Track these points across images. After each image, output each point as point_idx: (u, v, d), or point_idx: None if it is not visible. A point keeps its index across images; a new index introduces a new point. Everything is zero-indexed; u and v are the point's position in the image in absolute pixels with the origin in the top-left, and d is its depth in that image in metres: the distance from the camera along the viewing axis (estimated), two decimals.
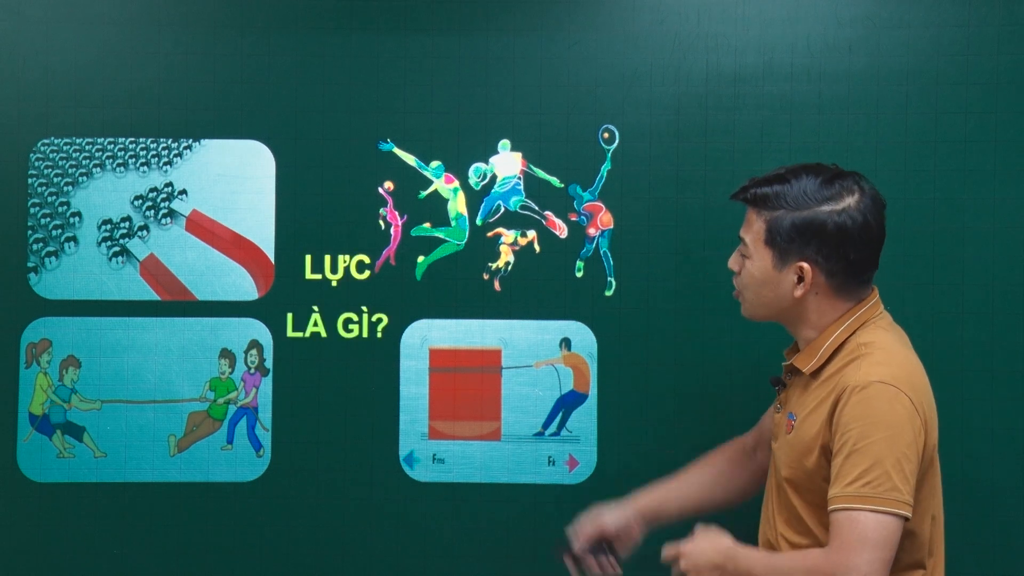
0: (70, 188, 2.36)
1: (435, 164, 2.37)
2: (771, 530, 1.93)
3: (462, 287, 2.37)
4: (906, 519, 1.70)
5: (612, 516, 2.06)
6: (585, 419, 2.36)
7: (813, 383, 1.85)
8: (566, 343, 2.36)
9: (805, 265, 1.81)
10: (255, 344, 2.36)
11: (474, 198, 2.37)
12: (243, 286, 2.37)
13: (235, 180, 2.37)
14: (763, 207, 1.84)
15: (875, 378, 1.73)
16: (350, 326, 2.37)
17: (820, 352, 1.84)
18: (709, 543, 1.83)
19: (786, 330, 1.94)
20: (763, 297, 1.87)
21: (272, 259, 2.37)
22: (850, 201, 1.81)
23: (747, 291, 1.90)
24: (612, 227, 2.36)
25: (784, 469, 1.86)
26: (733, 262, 1.93)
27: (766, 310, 1.89)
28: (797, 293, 1.83)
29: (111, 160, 2.37)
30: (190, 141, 2.37)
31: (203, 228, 2.37)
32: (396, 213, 2.37)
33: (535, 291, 2.37)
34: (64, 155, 2.36)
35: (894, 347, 1.82)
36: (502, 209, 2.38)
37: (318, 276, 2.37)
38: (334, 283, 2.37)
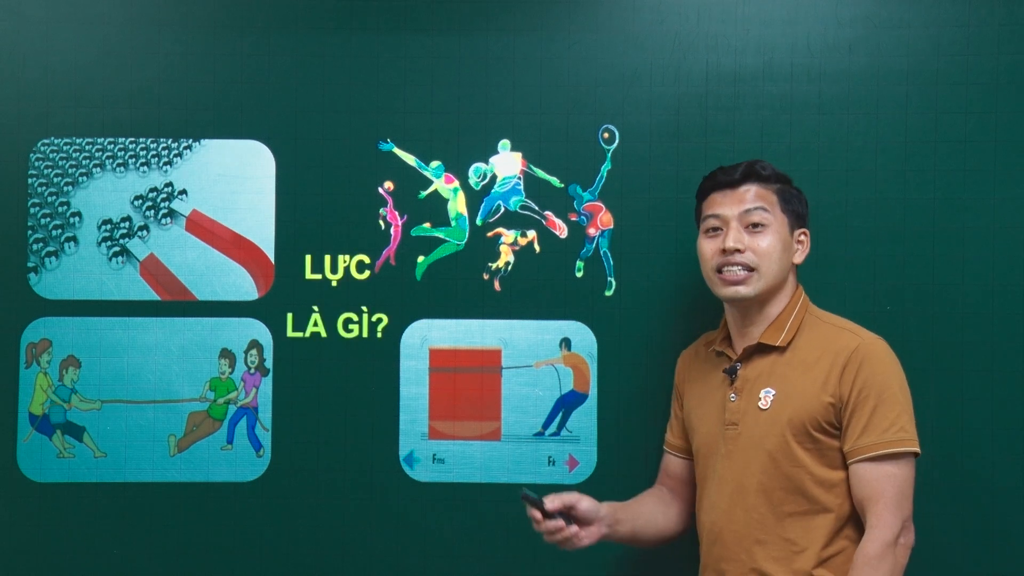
0: (70, 188, 2.36)
1: (435, 164, 2.37)
2: (741, 514, 1.97)
3: (462, 287, 2.37)
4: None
5: (586, 503, 2.04)
6: (585, 419, 2.35)
7: (785, 355, 1.98)
8: (566, 343, 2.36)
9: (808, 232, 2.05)
10: (255, 344, 2.36)
11: (474, 198, 2.37)
12: (243, 286, 2.37)
13: (235, 180, 2.37)
14: (770, 180, 2.03)
15: (875, 337, 1.97)
16: (350, 326, 2.37)
17: (788, 326, 1.99)
18: None
19: (734, 314, 2.07)
20: (782, 264, 2.01)
21: (272, 259, 2.37)
22: None
23: (768, 261, 1.98)
24: (612, 227, 2.36)
25: (769, 441, 1.95)
26: (736, 240, 1.98)
27: (778, 279, 2.01)
28: (798, 259, 2.03)
29: (111, 160, 2.37)
30: (190, 141, 2.37)
31: (203, 228, 2.37)
32: (396, 213, 2.37)
33: (535, 291, 2.36)
34: (64, 155, 2.36)
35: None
36: (502, 209, 2.37)
37: (318, 276, 2.37)
38: (334, 283, 2.37)
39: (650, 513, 2.14)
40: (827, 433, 1.93)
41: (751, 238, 1.98)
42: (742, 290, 1.98)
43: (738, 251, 1.98)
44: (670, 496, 2.19)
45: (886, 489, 1.88)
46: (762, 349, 2.00)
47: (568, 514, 2.00)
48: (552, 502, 1.97)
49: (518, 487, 1.99)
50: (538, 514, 1.97)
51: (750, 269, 1.98)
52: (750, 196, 2.00)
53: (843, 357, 1.93)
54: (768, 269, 1.98)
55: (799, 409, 1.94)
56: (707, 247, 2.03)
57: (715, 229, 2.02)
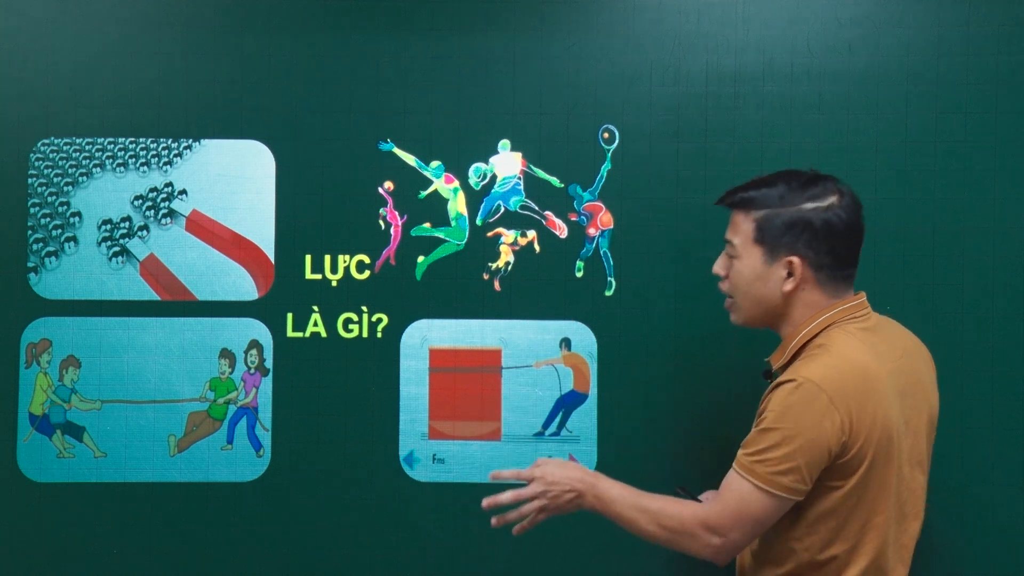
0: (70, 188, 2.36)
1: (435, 164, 2.37)
2: None
3: (462, 287, 2.37)
4: (792, 500, 1.81)
5: None
6: (585, 419, 2.36)
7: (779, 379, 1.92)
8: (566, 343, 2.36)
9: (795, 259, 1.88)
10: (255, 344, 2.36)
11: (474, 198, 2.38)
12: (243, 286, 2.37)
13: (235, 180, 2.37)
14: (750, 208, 1.91)
15: (806, 376, 1.80)
16: (350, 326, 2.37)
17: (788, 349, 1.91)
18: (571, 467, 1.93)
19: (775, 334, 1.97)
20: (753, 295, 1.92)
21: (272, 259, 2.37)
22: (833, 200, 1.88)
23: (737, 292, 1.94)
24: (612, 227, 2.36)
25: None
26: (719, 266, 1.98)
27: (756, 309, 1.93)
28: (787, 287, 1.89)
29: (111, 160, 2.37)
30: (190, 141, 2.37)
31: (203, 228, 2.37)
32: (396, 213, 2.37)
33: (535, 291, 2.36)
34: (64, 155, 2.36)
35: (844, 350, 1.84)
36: (502, 209, 2.38)
37: (318, 276, 2.37)
38: (334, 283, 2.37)
39: None
40: None
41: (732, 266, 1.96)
42: (731, 316, 1.98)
43: (720, 277, 1.98)
44: None
45: (730, 496, 1.82)
46: (770, 367, 1.99)
47: None
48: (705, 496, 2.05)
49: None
50: None
51: (731, 296, 1.97)
52: (730, 224, 1.95)
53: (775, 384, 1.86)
54: (741, 299, 1.94)
55: None
56: None
57: None
